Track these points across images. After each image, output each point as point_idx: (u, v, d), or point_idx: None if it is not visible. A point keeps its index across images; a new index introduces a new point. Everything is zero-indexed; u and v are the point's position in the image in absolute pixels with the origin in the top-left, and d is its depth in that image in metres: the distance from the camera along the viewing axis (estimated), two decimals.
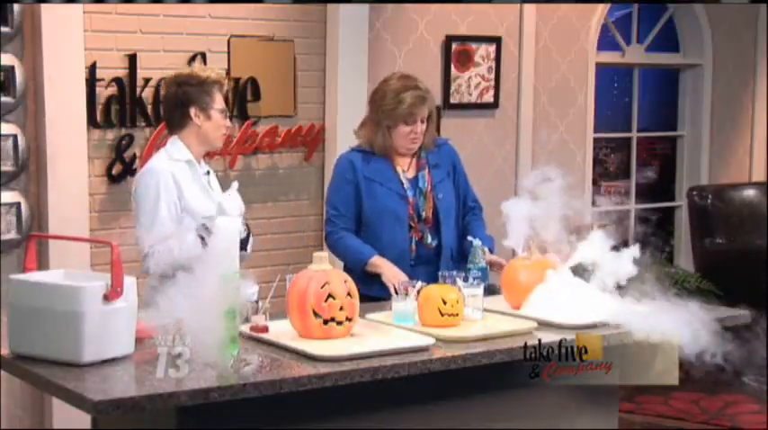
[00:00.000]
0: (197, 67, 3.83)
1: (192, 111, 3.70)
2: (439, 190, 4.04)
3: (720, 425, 5.45)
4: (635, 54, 6.99)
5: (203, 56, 5.01)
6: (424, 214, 4.00)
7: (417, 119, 3.94)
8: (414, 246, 3.97)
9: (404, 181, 4.00)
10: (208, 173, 3.83)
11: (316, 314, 3.04)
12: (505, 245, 3.73)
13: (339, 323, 3.06)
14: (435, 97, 5.66)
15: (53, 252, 4.52)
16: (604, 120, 7.28)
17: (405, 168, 4.03)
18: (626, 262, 3.48)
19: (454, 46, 5.94)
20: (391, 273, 3.84)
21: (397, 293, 3.42)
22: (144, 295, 3.58)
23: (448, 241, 4.00)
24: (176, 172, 3.68)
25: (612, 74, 7.56)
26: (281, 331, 3.12)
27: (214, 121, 3.72)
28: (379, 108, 3.98)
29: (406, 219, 3.97)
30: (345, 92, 5.40)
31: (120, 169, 4.85)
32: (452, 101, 5.97)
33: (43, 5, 4.55)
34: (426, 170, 4.04)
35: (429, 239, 3.99)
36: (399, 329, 3.23)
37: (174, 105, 3.73)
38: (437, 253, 3.98)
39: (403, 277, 3.76)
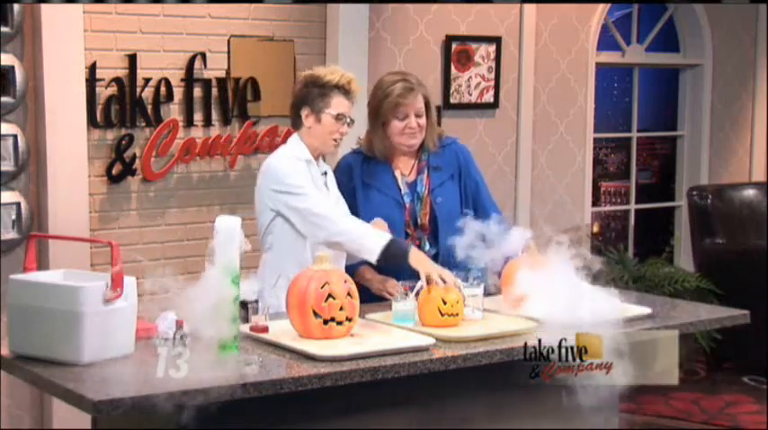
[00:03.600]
0: (327, 68, 3.70)
1: (304, 112, 3.67)
2: (438, 194, 3.88)
3: (720, 425, 5.45)
4: (635, 54, 6.99)
5: (203, 56, 5.02)
6: (420, 221, 3.87)
7: (409, 111, 3.81)
8: None
9: (402, 186, 3.88)
10: (325, 173, 3.76)
11: (316, 314, 3.04)
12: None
13: (339, 323, 3.06)
14: (435, 97, 5.70)
15: (53, 252, 4.52)
16: (604, 120, 7.28)
17: (405, 172, 3.91)
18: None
19: (454, 46, 5.94)
20: (380, 285, 3.79)
21: (392, 296, 3.41)
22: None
23: (446, 249, 3.79)
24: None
25: (612, 74, 7.57)
26: (281, 331, 3.12)
27: (324, 125, 3.65)
28: (372, 108, 3.92)
29: (402, 226, 3.84)
30: None
31: (120, 169, 4.85)
32: (452, 101, 5.97)
33: (43, 5, 4.55)
34: (426, 173, 3.91)
35: (426, 247, 3.85)
36: (399, 329, 3.23)
37: (293, 104, 3.73)
38: (434, 262, 3.77)
39: (391, 282, 3.73)
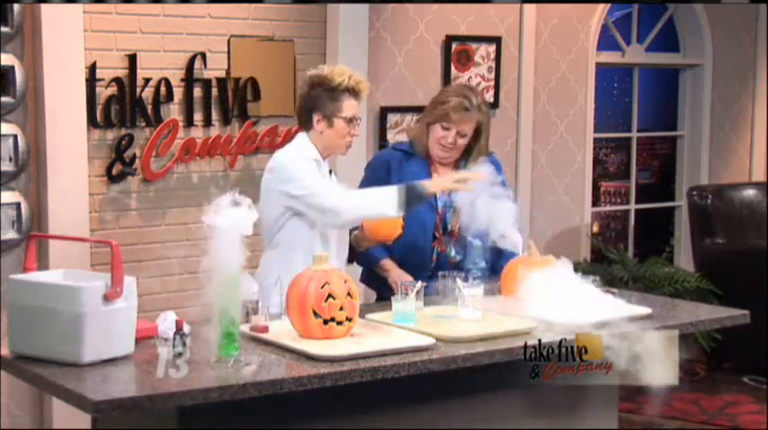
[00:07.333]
0: (335, 69, 3.64)
1: (316, 117, 3.64)
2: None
3: (720, 425, 5.45)
4: (635, 54, 6.99)
5: (203, 56, 5.02)
6: (450, 227, 3.94)
7: (453, 127, 3.87)
8: (435, 257, 3.93)
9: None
10: (330, 172, 3.76)
11: (316, 314, 3.04)
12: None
13: (339, 323, 3.06)
14: None
15: (53, 252, 4.52)
16: (604, 120, 7.28)
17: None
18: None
19: (454, 46, 5.94)
20: (398, 276, 3.83)
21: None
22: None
23: (474, 256, 3.87)
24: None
25: (612, 74, 7.56)
26: (281, 331, 3.12)
27: (336, 129, 3.63)
28: (428, 105, 4.00)
29: (432, 228, 3.91)
30: None
31: (120, 169, 4.85)
32: None
33: (43, 5, 4.55)
34: None
35: (453, 253, 3.93)
36: (399, 329, 3.23)
37: (302, 106, 3.70)
38: (460, 268, 3.84)
39: (405, 278, 3.76)
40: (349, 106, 3.64)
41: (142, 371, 2.80)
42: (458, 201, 3.87)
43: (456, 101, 3.87)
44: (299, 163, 3.61)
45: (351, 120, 3.65)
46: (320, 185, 3.58)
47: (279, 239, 3.66)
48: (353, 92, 3.64)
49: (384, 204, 3.53)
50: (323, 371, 2.82)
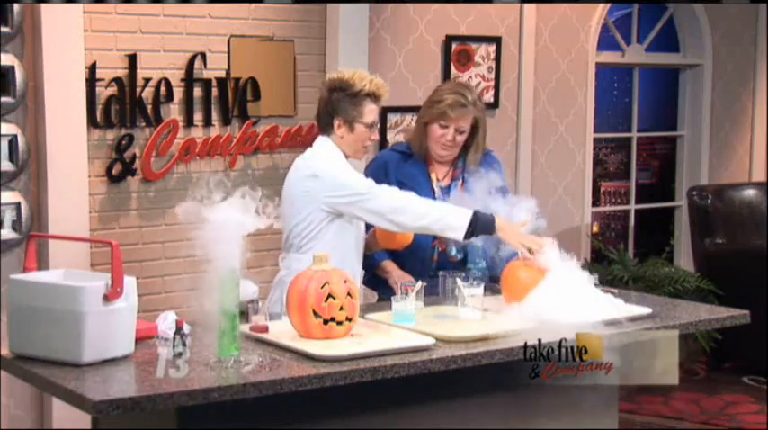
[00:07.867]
0: (356, 74, 3.63)
1: (337, 122, 3.64)
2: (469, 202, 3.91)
3: (720, 425, 5.45)
4: (635, 54, 6.99)
5: (203, 56, 5.02)
6: None
7: (451, 124, 3.86)
8: (436, 257, 3.92)
9: (436, 189, 3.95)
10: None
11: (316, 314, 3.04)
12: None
13: (339, 323, 3.06)
14: None
15: (53, 252, 4.52)
16: (604, 120, 7.28)
17: (440, 176, 3.98)
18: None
19: (454, 46, 5.94)
20: (398, 277, 3.82)
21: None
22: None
23: (474, 256, 3.90)
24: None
25: (612, 74, 7.57)
26: (281, 331, 3.12)
27: (357, 134, 3.64)
28: (423, 105, 3.99)
29: None
30: None
31: (120, 169, 4.85)
32: None
33: (43, 5, 4.55)
34: (460, 181, 3.97)
35: (453, 252, 3.92)
36: (399, 329, 3.23)
37: (323, 110, 3.68)
38: (461, 268, 3.85)
39: (407, 279, 3.75)
40: (370, 111, 3.64)
41: (142, 371, 2.80)
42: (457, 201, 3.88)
43: (452, 98, 3.87)
44: (343, 168, 3.61)
45: (371, 125, 3.66)
46: (370, 187, 3.58)
47: (312, 244, 3.61)
48: (374, 96, 3.64)
49: (452, 225, 3.53)
50: (323, 371, 2.82)
